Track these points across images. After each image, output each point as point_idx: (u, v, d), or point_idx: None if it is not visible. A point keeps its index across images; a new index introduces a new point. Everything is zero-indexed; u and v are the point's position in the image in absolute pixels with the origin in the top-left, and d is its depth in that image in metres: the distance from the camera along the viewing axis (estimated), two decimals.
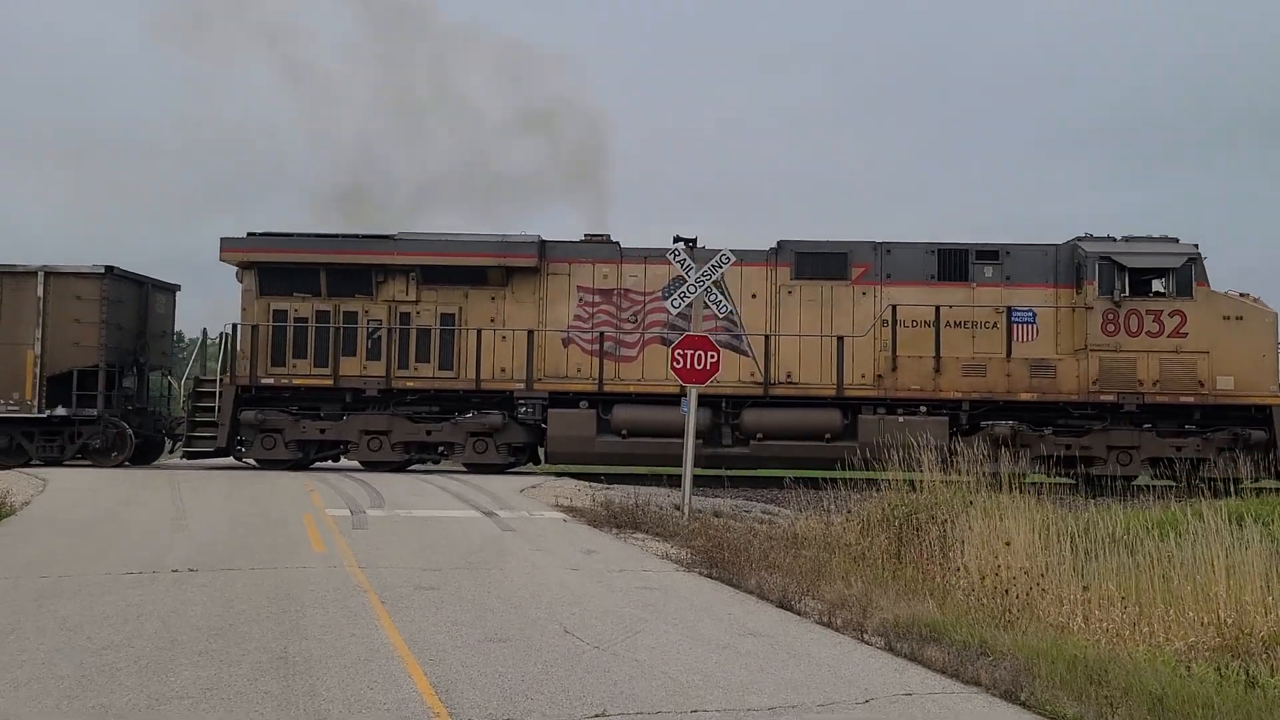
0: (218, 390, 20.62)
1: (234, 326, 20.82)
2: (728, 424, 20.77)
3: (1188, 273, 20.50)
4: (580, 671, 6.55)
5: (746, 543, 11.59)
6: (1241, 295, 20.87)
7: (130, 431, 20.99)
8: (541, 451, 21.88)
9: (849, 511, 13.40)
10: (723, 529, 12.73)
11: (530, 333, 20.78)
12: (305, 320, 21.09)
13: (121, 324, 21.31)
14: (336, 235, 21.34)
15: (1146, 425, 20.52)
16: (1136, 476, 20.17)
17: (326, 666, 6.52)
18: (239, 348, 20.87)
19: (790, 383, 20.86)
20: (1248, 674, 6.74)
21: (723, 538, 11.74)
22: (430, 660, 6.73)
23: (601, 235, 21.88)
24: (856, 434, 20.32)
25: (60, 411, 20.48)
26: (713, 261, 15.48)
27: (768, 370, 20.76)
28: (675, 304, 15.76)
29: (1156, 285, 20.96)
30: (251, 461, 21.22)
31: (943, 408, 20.52)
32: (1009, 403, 20.49)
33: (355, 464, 21.42)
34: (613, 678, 6.43)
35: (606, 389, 20.65)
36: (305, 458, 21.17)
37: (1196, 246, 20.92)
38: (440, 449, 21.09)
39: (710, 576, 10.18)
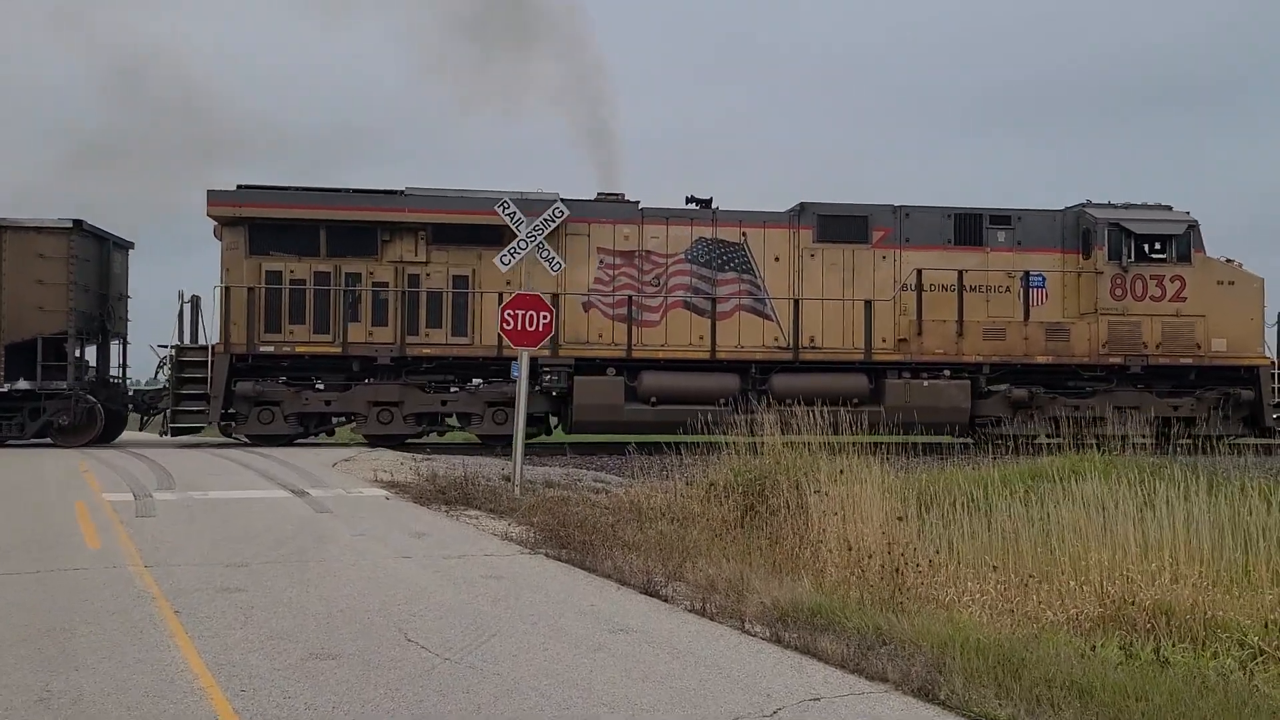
0: (209, 359, 18.63)
1: (226, 290, 18.83)
2: (755, 390, 20.29)
3: (1187, 240, 21.29)
4: (433, 694, 5.35)
5: (591, 517, 10.62)
6: (1228, 261, 21.86)
7: (100, 407, 18.75)
8: (554, 421, 20.88)
9: (714, 481, 12.14)
10: (560, 502, 11.86)
11: (555, 296, 19.66)
12: (303, 282, 19.30)
13: (88, 286, 18.95)
14: (339, 190, 19.55)
15: (1142, 386, 21.30)
16: (1142, 435, 20.90)
17: (103, 708, 5.05)
18: (229, 312, 18.91)
19: (814, 347, 20.56)
20: (1157, 653, 6.43)
21: (564, 512, 10.84)
22: (242, 691, 5.31)
23: (616, 194, 20.90)
24: (883, 398, 20.26)
25: (22, 385, 18.08)
26: (545, 215, 14.01)
27: (796, 335, 20.38)
28: (505, 260, 14.16)
29: (1146, 249, 21.67)
30: (242, 438, 19.36)
31: (964, 371, 20.67)
32: (1026, 366, 20.85)
33: (358, 440, 19.87)
34: (475, 700, 5.27)
35: (635, 355, 19.82)
36: (305, 432, 19.50)
37: (1188, 213, 21.78)
38: (449, 420, 19.85)
39: (560, 559, 9.10)
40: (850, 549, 8.73)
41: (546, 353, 19.63)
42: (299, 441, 19.32)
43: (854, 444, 11.44)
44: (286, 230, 19.21)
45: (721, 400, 20.08)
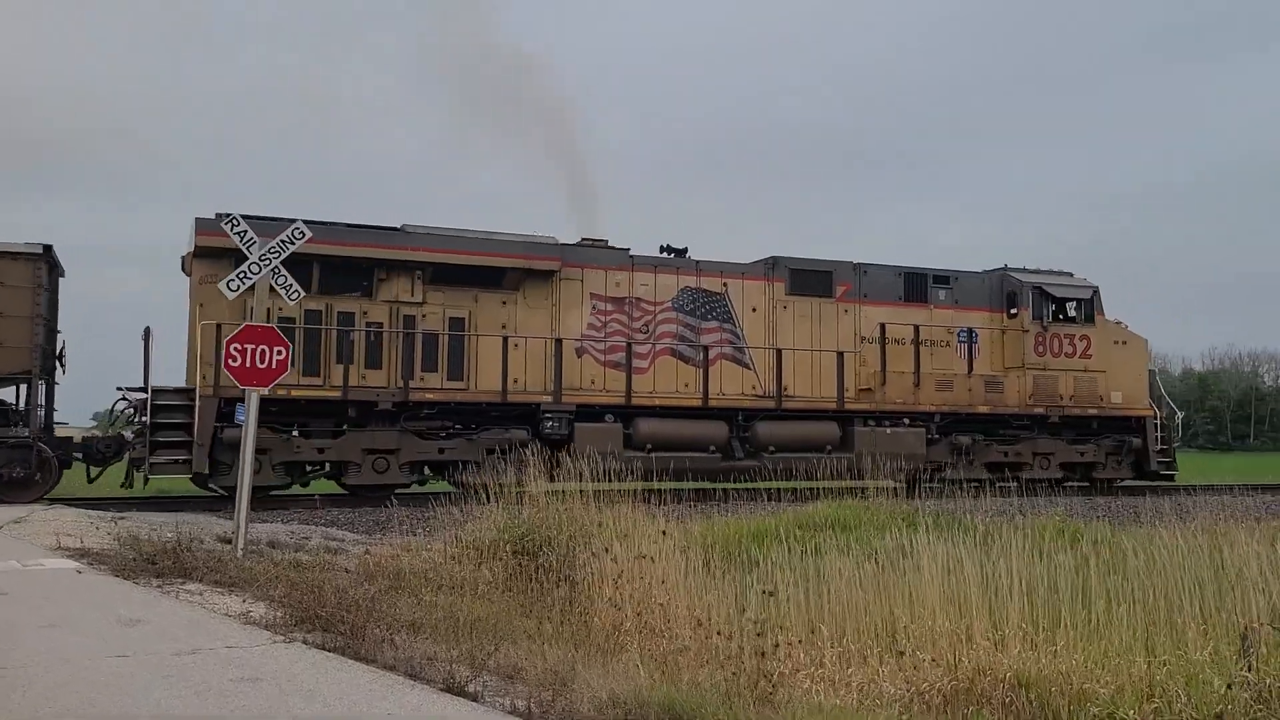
0: (196, 402, 16.88)
1: (216, 327, 17.12)
2: (738, 437, 20.79)
3: (1092, 303, 23.98)
4: None
5: (348, 588, 8.57)
6: (1118, 323, 24.75)
7: (55, 457, 16.52)
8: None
9: (481, 539, 10.63)
10: (298, 567, 9.93)
11: (558, 341, 19.35)
12: (291, 320, 17.91)
13: (47, 319, 16.70)
14: (334, 224, 18.31)
15: (1054, 434, 23.64)
16: (1058, 478, 23.16)
17: None
18: (202, 351, 17.22)
19: (789, 396, 21.34)
20: None
21: (314, 583, 8.64)
22: None
23: (601, 240, 20.90)
24: (852, 445, 21.31)
25: None
26: (281, 237, 11.79)
27: (779, 384, 21.08)
28: (234, 285, 11.75)
29: (1059, 310, 24.17)
30: (219, 489, 17.61)
31: (919, 419, 22.12)
32: (970, 415, 22.61)
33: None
34: None
35: (634, 402, 19.81)
36: (290, 483, 18.02)
37: (1086, 279, 24.52)
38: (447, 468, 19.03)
39: (325, 648, 6.92)
40: (703, 625, 7.65)
41: (548, 398, 19.29)
42: None
43: (622, 491, 10.72)
44: None
45: (711, 447, 20.49)
